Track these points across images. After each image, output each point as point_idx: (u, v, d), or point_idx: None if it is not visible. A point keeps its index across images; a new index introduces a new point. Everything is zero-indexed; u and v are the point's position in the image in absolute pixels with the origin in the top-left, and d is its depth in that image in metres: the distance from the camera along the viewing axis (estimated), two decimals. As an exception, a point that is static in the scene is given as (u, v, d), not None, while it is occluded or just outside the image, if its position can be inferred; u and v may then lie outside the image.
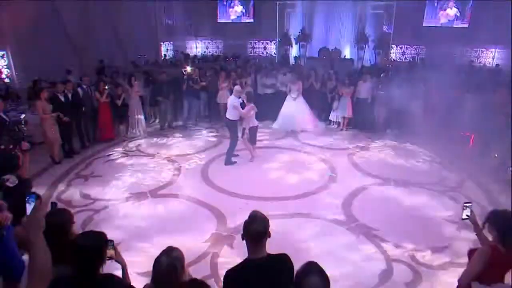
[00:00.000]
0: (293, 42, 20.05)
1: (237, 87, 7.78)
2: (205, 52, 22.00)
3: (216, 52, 21.79)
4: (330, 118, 10.51)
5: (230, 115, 7.58)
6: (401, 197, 6.46)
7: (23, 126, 6.03)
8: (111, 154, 8.40)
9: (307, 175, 7.31)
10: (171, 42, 19.76)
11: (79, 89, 8.60)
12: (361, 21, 19.25)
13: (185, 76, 10.04)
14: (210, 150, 8.71)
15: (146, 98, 10.38)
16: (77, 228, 5.29)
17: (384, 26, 19.15)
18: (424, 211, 5.98)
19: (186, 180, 7.07)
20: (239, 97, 7.54)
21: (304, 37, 19.75)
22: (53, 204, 3.16)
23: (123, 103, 9.29)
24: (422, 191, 6.72)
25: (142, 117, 9.81)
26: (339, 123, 10.38)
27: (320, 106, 10.76)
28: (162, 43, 18.74)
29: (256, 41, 21.46)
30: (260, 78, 10.88)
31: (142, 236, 5.18)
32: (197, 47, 22.04)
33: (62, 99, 7.80)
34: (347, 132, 10.19)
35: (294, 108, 10.14)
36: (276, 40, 20.61)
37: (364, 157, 8.35)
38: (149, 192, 6.55)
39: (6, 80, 11.52)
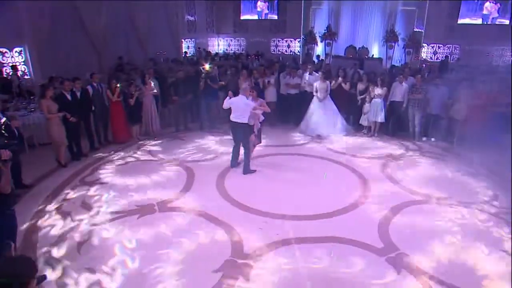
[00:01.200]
0: (318, 40, 18.99)
1: (244, 86, 6.87)
2: (227, 49, 21.19)
3: (238, 50, 20.96)
4: (360, 123, 9.44)
5: (242, 117, 6.65)
6: (445, 219, 5.39)
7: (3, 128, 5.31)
8: (121, 158, 7.65)
9: (335, 188, 6.33)
10: (193, 39, 19.03)
11: (89, 87, 7.89)
12: (391, 18, 17.95)
13: (203, 74, 9.19)
14: (228, 155, 7.82)
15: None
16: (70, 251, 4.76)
17: (415, 23, 17.77)
18: (477, 239, 4.91)
19: (198, 190, 6.21)
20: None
21: (330, 35, 18.68)
22: (42, 278, 2.30)
23: (137, 102, 8.52)
24: (472, 211, 5.63)
25: (157, 117, 9.03)
26: (369, 128, 9.30)
27: (349, 109, 9.70)
28: (183, 40, 18.01)
29: (280, 39, 20.48)
30: (284, 77, 9.91)
31: (142, 260, 4.36)
32: (219, 45, 21.24)
33: (69, 97, 7.09)
34: (379, 138, 9.10)
35: (321, 111, 9.13)
36: (300, 38, 19.57)
37: (400, 167, 7.28)
38: (157, 205, 5.72)
39: (26, 77, 10.98)
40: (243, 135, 6.81)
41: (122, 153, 7.88)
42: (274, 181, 6.59)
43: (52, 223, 5.19)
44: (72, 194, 6.05)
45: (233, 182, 6.54)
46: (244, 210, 5.60)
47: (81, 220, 5.27)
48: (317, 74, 9.39)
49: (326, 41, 18.85)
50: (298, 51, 19.93)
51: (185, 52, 17.47)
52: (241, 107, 6.62)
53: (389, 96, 9.01)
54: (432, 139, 8.88)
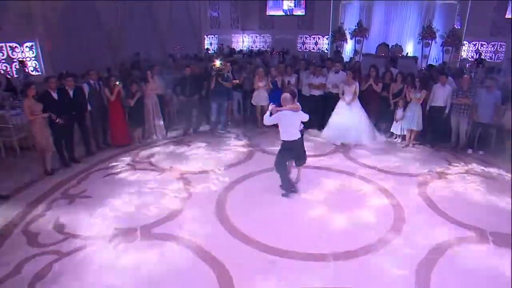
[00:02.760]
0: (348, 37, 17.38)
1: (284, 95, 5.28)
2: (252, 46, 19.95)
3: (263, 47, 19.67)
4: (392, 130, 7.96)
5: (296, 131, 5.34)
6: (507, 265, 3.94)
7: None
8: (116, 165, 6.61)
9: (361, 216, 4.96)
10: (216, 35, 17.92)
11: (84, 86, 6.91)
12: (429, 13, 16.07)
13: (213, 72, 8.00)
14: (237, 166, 6.62)
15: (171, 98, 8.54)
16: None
17: (456, 19, 15.80)
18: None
19: (194, 212, 5.03)
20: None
21: (360, 32, 17.04)
22: None
23: (139, 103, 7.47)
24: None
25: (160, 119, 7.96)
26: (404, 137, 7.80)
27: (380, 115, 8.22)
28: (206, 36, 16.94)
29: (307, 36, 18.99)
30: (307, 76, 8.56)
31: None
32: (243, 41, 20.03)
33: (55, 96, 6.10)
34: (415, 149, 7.58)
35: (347, 115, 7.72)
36: (328, 35, 18.01)
37: (443, 189, 5.79)
38: (140, 230, 4.60)
39: (37, 73, 10.23)
40: (303, 148, 5.62)
41: (118, 160, 6.85)
42: (287, 204, 5.32)
43: (12, 248, 4.20)
44: (45, 211, 5.04)
45: (237, 202, 5.33)
46: (246, 242, 4.38)
47: (46, 246, 4.24)
48: (345, 74, 7.95)
49: (356, 38, 17.22)
50: (326, 49, 18.39)
51: (207, 49, 16.37)
52: (295, 123, 5.30)
53: (429, 100, 7.48)
54: (480, 152, 7.28)
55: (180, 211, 5.04)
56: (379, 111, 8.12)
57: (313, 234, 4.53)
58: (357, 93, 7.70)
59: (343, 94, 7.79)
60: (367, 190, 5.71)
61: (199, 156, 7.12)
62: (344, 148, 7.54)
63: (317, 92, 8.39)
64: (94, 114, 7.10)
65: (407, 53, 16.21)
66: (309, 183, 5.88)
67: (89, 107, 6.96)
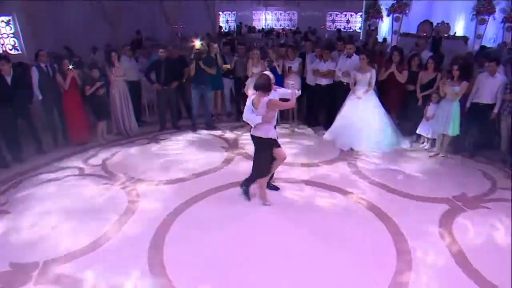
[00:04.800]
0: (385, 14, 15.28)
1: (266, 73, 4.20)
2: (275, 25, 18.33)
3: (288, 26, 18.00)
4: (418, 132, 6.30)
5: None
6: None
7: None
8: (61, 169, 5.58)
9: (363, 265, 3.53)
10: (233, 12, 16.51)
11: (33, 70, 5.89)
12: (487, -19, 13.59)
13: (192, 55, 6.69)
14: (209, 175, 5.36)
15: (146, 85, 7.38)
16: None
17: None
18: None
19: (120, 246, 3.85)
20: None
21: (399, 7, 14.87)
22: None
23: (104, 92, 6.37)
24: None
25: (130, 111, 6.82)
26: (433, 142, 6.13)
27: (404, 112, 6.57)
28: (221, 13, 15.58)
29: (338, 13, 17.06)
30: (311, 61, 7.03)
31: None
32: (266, 19, 18.45)
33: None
34: (447, 160, 5.91)
35: (359, 112, 6.17)
36: (362, 12, 16.00)
37: (481, 228, 4.16)
38: (40, 268, 3.50)
39: (12, 52, 9.46)
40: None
41: (68, 162, 5.82)
42: (261, 237, 3.99)
43: None
44: None
45: (186, 231, 4.08)
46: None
47: None
48: (358, 58, 6.34)
49: (394, 15, 15.08)
50: (359, 28, 16.43)
51: (220, 27, 15.03)
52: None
53: (471, 95, 5.74)
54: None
55: (102, 243, 3.86)
56: (403, 107, 6.47)
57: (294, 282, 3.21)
58: (373, 84, 6.11)
59: (355, 84, 6.22)
60: (375, 226, 4.19)
61: (167, 159, 5.93)
62: (351, 154, 6.03)
63: (324, 81, 6.86)
64: (46, 104, 6.10)
65: (455, 33, 13.94)
66: (298, 206, 4.49)
67: (39, 96, 5.96)
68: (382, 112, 6.19)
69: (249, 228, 4.12)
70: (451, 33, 13.79)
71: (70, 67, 5.96)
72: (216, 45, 7.19)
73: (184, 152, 6.22)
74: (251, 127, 4.28)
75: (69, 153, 6.14)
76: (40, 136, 6.15)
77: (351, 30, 16.52)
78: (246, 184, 4.60)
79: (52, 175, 5.37)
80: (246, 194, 4.61)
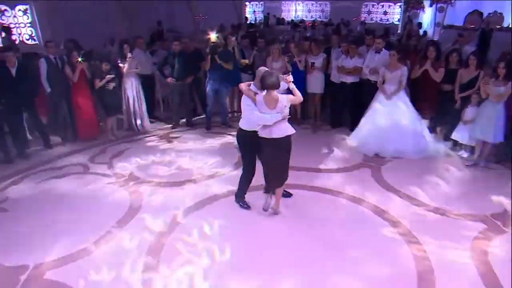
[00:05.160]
0: (427, 4, 14.51)
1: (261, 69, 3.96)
2: (306, 16, 17.89)
3: (319, 17, 17.52)
4: (454, 138, 5.79)
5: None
6: None
7: None
8: (65, 166, 5.56)
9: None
10: (261, 2, 16.24)
11: (41, 61, 5.91)
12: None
13: (207, 48, 6.51)
14: (220, 176, 5.16)
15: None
16: None
17: None
18: None
19: (118, 251, 3.71)
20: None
21: (444, -3, 14.04)
22: None
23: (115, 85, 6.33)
24: None
25: (143, 107, 6.75)
26: (472, 149, 5.63)
27: (440, 114, 6.07)
28: (247, 3, 15.35)
29: (374, 3, 16.39)
30: (336, 57, 6.66)
31: None
32: (296, 10, 18.04)
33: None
34: (487, 170, 5.37)
35: (388, 114, 5.73)
36: (401, 2, 15.28)
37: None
38: (28, 274, 3.43)
39: (29, 42, 9.62)
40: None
41: (73, 158, 5.79)
42: (270, 251, 3.75)
43: None
44: None
45: (172, 253, 3.88)
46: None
47: None
48: (388, 53, 5.90)
49: (438, 5, 14.24)
50: (398, 20, 15.73)
51: (246, 18, 14.80)
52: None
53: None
54: None
55: (93, 250, 3.69)
56: (438, 109, 5.97)
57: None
58: (404, 83, 5.66)
59: (383, 83, 5.82)
60: (381, 240, 3.85)
61: (176, 158, 5.75)
62: (376, 161, 5.63)
63: (349, 79, 6.45)
64: (55, 97, 6.12)
65: (509, 24, 12.96)
66: (309, 222, 4.19)
67: (48, 88, 5.99)
68: (413, 114, 5.69)
69: (259, 238, 3.88)
70: (505, 25, 12.81)
71: (79, 59, 5.93)
72: (233, 38, 6.96)
73: (195, 152, 6.03)
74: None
75: (76, 150, 6.09)
76: (47, 131, 6.19)
77: (388, 23, 15.83)
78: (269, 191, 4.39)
79: (55, 173, 5.31)
80: (287, 195, 4.50)
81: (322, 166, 5.44)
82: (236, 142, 4.31)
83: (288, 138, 3.92)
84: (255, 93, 3.88)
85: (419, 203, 4.51)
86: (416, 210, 4.37)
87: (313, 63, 6.62)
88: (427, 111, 5.99)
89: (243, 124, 4.06)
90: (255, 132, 3.90)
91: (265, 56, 6.91)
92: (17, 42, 8.87)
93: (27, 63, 5.86)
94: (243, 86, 3.98)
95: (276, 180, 4.13)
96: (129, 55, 6.35)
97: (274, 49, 6.69)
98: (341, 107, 6.87)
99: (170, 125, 7.10)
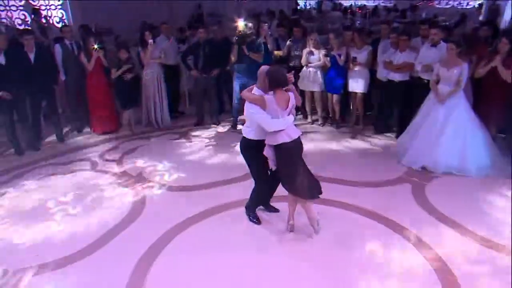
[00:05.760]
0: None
1: (263, 67, 3.59)
2: (368, 1, 16.93)
3: (383, 2, 16.51)
4: (527, 154, 4.91)
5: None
6: None
7: None
8: (73, 162, 5.54)
9: None
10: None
11: (56, 47, 5.94)
12: None
13: (235, 38, 6.18)
14: (237, 183, 4.78)
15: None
16: None
17: None
18: None
19: (108, 257, 3.47)
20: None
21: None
22: None
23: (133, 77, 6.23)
24: None
25: (164, 100, 6.59)
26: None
27: (509, 124, 5.21)
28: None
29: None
30: (384, 50, 6.01)
31: None
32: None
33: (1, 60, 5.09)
34: None
35: (441, 120, 4.99)
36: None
37: None
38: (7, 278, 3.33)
39: (59, 25, 9.84)
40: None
41: (82, 153, 5.74)
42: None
43: None
44: None
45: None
46: None
47: None
48: (446, 46, 5.14)
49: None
50: (479, 4, 14.31)
51: (297, 3, 14.24)
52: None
53: None
54: None
55: (84, 256, 3.52)
56: (507, 117, 5.13)
57: None
58: (462, 83, 4.90)
59: (437, 82, 5.11)
60: (415, 281, 3.26)
61: (192, 159, 5.50)
62: (421, 176, 4.94)
63: (398, 77, 5.74)
64: (70, 86, 6.14)
65: None
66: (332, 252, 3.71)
67: (62, 76, 6.03)
68: (474, 122, 4.92)
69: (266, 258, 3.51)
70: None
71: (96, 46, 5.86)
72: (266, 26, 6.56)
73: (213, 153, 5.72)
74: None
75: (89, 144, 5.99)
76: (62, 123, 6.24)
77: (469, 7, 14.43)
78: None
79: (60, 168, 5.24)
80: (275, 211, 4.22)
81: (355, 178, 4.88)
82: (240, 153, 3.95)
83: (298, 141, 3.54)
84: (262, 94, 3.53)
85: (473, 236, 3.69)
86: (471, 245, 3.58)
87: (355, 57, 6.00)
88: (493, 119, 5.15)
89: (250, 134, 3.67)
90: (261, 141, 3.56)
91: (301, 48, 6.42)
92: (46, 25, 9.04)
93: (46, 48, 5.90)
94: (246, 93, 3.61)
95: (289, 185, 3.71)
96: (150, 41, 6.15)
97: (310, 40, 6.18)
98: (387, 109, 6.21)
99: (194, 122, 6.88)
